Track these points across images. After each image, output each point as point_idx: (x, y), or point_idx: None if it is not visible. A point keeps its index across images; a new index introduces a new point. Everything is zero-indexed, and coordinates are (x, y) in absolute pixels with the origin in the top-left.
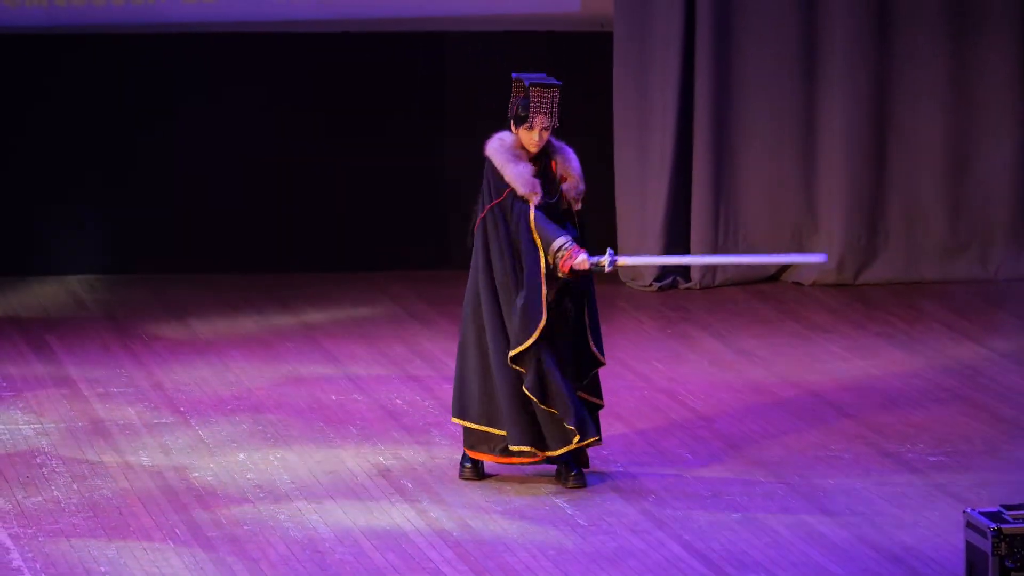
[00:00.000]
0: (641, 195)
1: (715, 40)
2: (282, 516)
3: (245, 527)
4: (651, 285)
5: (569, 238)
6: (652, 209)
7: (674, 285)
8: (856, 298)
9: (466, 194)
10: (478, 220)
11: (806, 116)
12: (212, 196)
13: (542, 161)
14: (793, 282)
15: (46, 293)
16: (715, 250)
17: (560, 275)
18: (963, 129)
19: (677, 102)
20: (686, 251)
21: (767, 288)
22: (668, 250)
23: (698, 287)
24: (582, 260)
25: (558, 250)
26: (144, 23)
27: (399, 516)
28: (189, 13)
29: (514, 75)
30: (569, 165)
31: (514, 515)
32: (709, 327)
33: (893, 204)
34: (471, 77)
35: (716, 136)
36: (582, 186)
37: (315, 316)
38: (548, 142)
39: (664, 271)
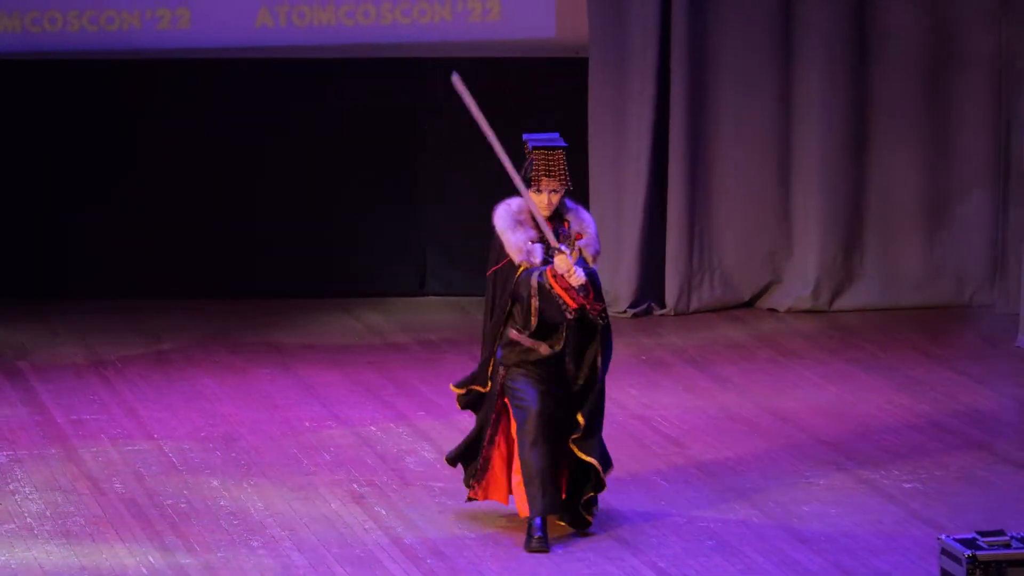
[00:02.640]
0: (616, 220)
1: (690, 67)
2: (255, 543)
3: (219, 554)
4: (625, 311)
5: (538, 271)
6: (627, 234)
7: (648, 311)
8: (831, 324)
9: (442, 221)
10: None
11: (782, 142)
12: (186, 222)
13: (555, 221)
14: (768, 308)
15: (19, 320)
16: (690, 279)
17: (568, 299)
18: (939, 156)
19: (652, 128)
20: (661, 279)
21: (742, 314)
22: (643, 274)
23: (672, 313)
24: (564, 268)
25: (539, 284)
26: (121, 49)
27: (373, 543)
28: (165, 39)
29: (524, 136)
30: (585, 225)
31: (488, 542)
32: (683, 353)
33: (869, 230)
34: (447, 104)
35: (691, 161)
36: (598, 245)
37: (289, 343)
38: (563, 203)
39: (639, 298)
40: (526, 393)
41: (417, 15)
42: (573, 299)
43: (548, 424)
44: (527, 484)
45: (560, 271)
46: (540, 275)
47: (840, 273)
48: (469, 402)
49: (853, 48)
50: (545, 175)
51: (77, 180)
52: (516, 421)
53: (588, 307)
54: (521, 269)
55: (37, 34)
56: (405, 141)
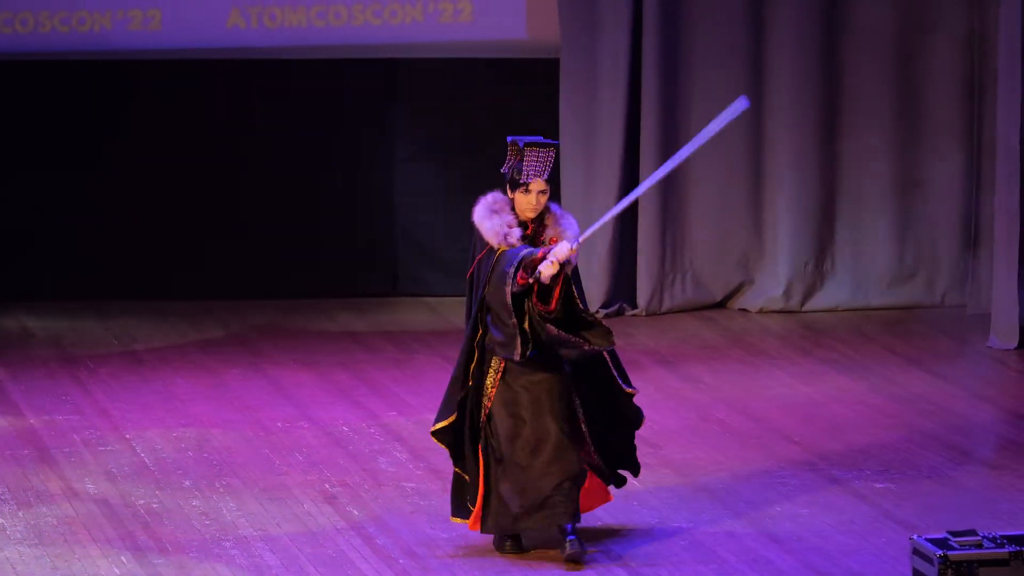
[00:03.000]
0: (588, 220)
1: (661, 67)
2: (228, 543)
3: (191, 554)
4: (597, 312)
5: (523, 254)
6: (599, 234)
7: (620, 312)
8: (803, 325)
9: (415, 221)
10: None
11: (753, 144)
12: (159, 223)
13: (537, 225)
14: (740, 309)
15: None
16: (662, 280)
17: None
18: (910, 158)
19: (624, 127)
20: (633, 279)
21: (713, 315)
22: (615, 275)
23: (644, 314)
24: (559, 255)
25: (522, 267)
26: (93, 50)
27: (345, 543)
28: (137, 40)
29: (509, 138)
30: (566, 231)
31: (460, 542)
32: (655, 353)
33: (840, 231)
34: (421, 104)
35: (663, 162)
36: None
37: (261, 343)
38: (548, 208)
39: (611, 299)
40: (502, 421)
41: (388, 16)
42: (524, 277)
43: (523, 451)
44: (488, 502)
45: (554, 254)
46: (529, 252)
47: (811, 274)
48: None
49: (824, 50)
50: (537, 175)
51: (49, 180)
52: (493, 447)
53: (534, 298)
54: (500, 250)
55: (8, 35)
56: (376, 142)
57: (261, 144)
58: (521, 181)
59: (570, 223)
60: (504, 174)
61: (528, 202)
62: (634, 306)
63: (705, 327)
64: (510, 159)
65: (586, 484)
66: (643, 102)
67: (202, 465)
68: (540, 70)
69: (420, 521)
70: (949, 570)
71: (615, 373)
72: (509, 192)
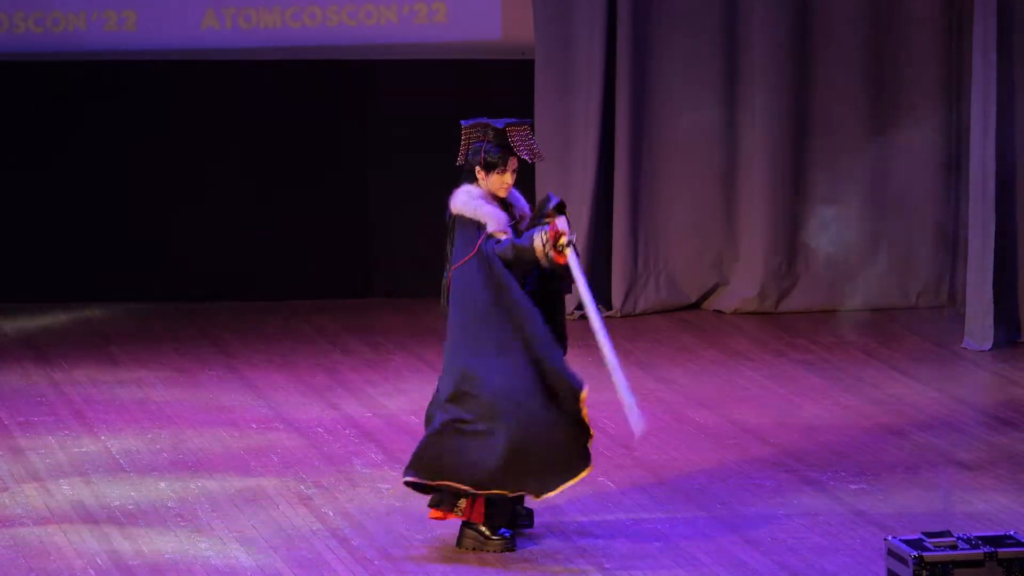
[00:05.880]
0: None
1: (636, 70)
2: (203, 545)
3: (166, 556)
4: (572, 313)
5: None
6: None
7: None
8: (777, 326)
9: (389, 222)
10: (456, 266)
11: (727, 145)
12: (133, 223)
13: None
14: (714, 310)
15: None
16: (636, 281)
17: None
18: (883, 157)
19: (598, 130)
20: (607, 280)
21: (688, 316)
22: (590, 276)
23: (619, 315)
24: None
25: (542, 243)
26: (67, 51)
27: (321, 545)
28: (111, 41)
29: (464, 123)
30: (519, 201)
31: (436, 543)
32: (630, 355)
33: (814, 233)
34: (393, 105)
35: (637, 163)
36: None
37: (236, 345)
38: None
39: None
40: None
41: (363, 17)
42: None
43: None
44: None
45: (564, 230)
46: (542, 236)
47: (786, 275)
48: None
49: (798, 52)
50: (514, 154)
51: (24, 181)
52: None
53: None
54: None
55: None
56: (351, 143)
57: (236, 144)
58: (499, 162)
59: (516, 196)
60: (473, 159)
61: (504, 182)
62: (608, 307)
63: (680, 328)
64: (476, 142)
65: None
66: (618, 104)
67: (177, 466)
68: (515, 72)
69: (395, 522)
70: (924, 571)
71: None
72: (481, 174)
